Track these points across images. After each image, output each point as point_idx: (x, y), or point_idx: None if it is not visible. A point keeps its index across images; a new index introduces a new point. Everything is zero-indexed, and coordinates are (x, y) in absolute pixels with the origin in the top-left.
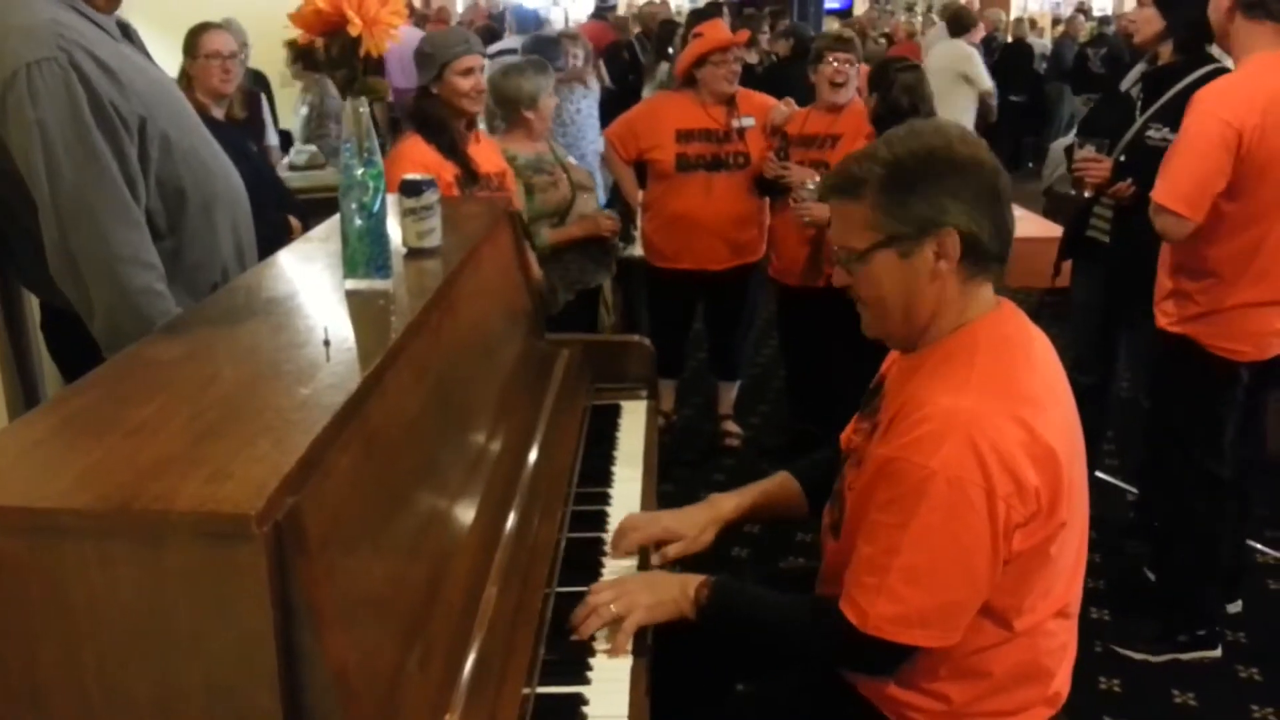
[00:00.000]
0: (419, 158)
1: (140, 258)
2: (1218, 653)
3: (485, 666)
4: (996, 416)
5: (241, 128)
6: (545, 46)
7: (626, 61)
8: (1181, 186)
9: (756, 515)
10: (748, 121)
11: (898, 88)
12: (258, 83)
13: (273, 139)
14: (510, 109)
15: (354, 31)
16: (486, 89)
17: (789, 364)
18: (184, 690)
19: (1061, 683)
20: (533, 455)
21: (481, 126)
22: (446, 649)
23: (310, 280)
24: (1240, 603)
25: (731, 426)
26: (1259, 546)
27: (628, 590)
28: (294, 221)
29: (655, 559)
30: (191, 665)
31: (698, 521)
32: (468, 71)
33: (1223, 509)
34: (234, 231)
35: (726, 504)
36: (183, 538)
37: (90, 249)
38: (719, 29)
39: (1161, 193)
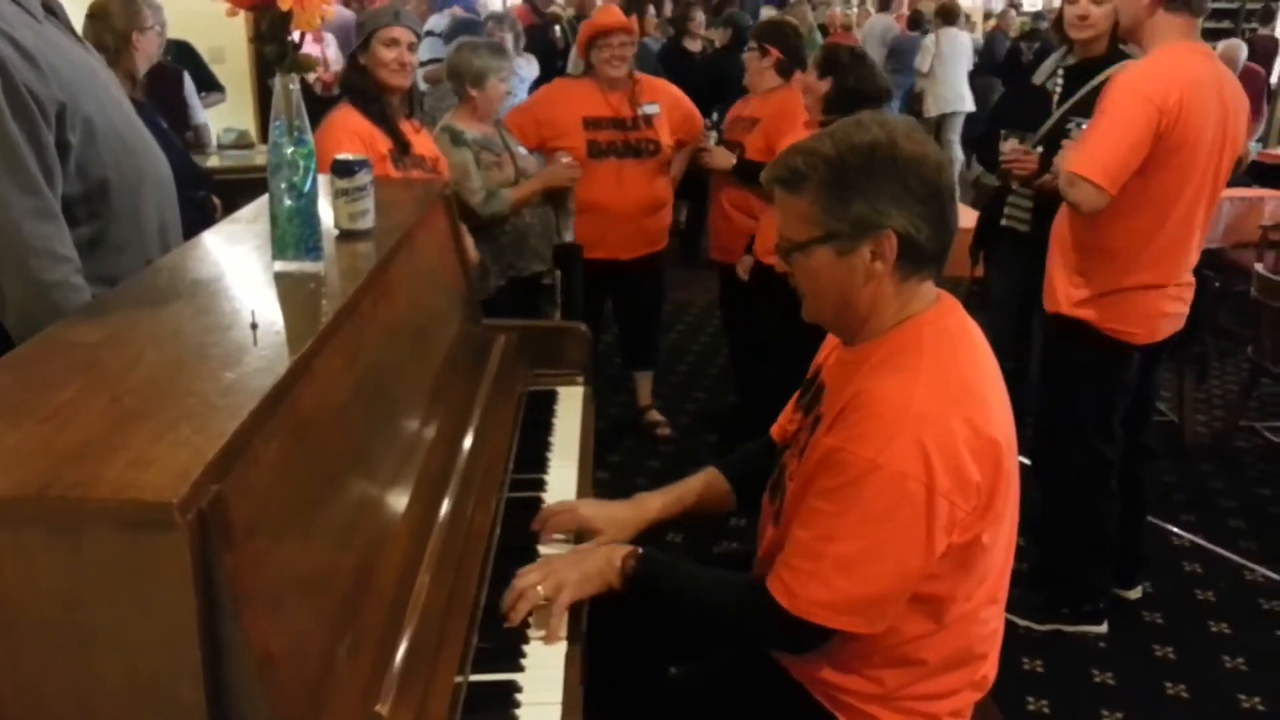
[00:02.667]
0: (352, 125)
1: (55, 251)
2: (1103, 628)
3: (417, 655)
4: (944, 415)
5: (154, 105)
6: (467, 29)
7: (552, 44)
8: (1102, 158)
9: (683, 513)
10: (652, 109)
11: (856, 73)
12: (183, 55)
13: (199, 118)
14: (458, 84)
15: (284, 6)
16: (415, 65)
17: (732, 343)
18: (104, 684)
19: (990, 667)
20: (467, 441)
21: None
22: (377, 638)
23: (237, 262)
24: (1141, 589)
25: (656, 416)
26: (1174, 530)
27: (554, 569)
28: (215, 200)
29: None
30: (112, 658)
31: (619, 519)
32: (391, 42)
33: (1110, 488)
34: (159, 215)
35: (652, 504)
36: (102, 526)
37: (1, 241)
38: (608, 13)
39: (1081, 164)
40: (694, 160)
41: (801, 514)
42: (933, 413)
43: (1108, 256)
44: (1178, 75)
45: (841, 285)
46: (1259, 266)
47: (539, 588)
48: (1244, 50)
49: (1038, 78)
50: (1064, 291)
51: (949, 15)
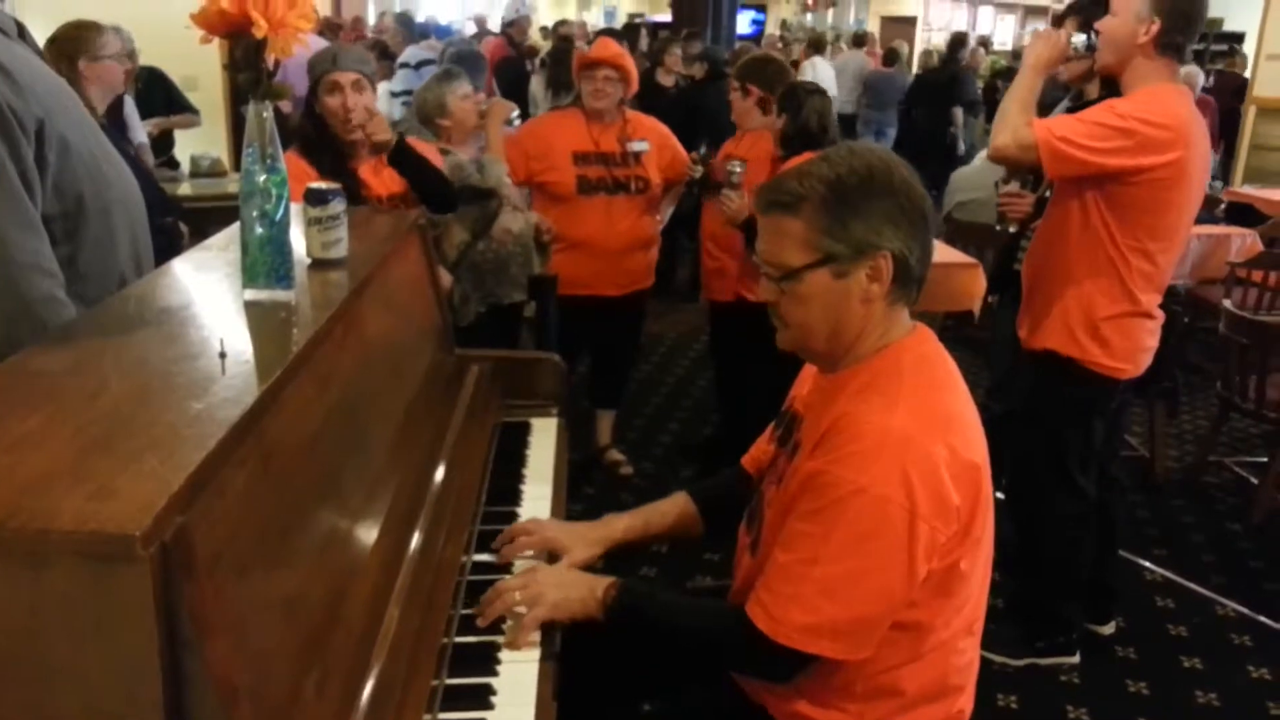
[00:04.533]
0: (291, 170)
1: (42, 265)
2: (1075, 659)
3: (385, 690)
4: (926, 440)
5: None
6: (469, 60)
7: (525, 78)
8: (1063, 134)
9: (650, 536)
10: (641, 145)
11: (807, 110)
12: (154, 81)
13: (140, 136)
14: (429, 124)
15: (259, 34)
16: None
17: (720, 380)
18: (62, 719)
19: (966, 700)
20: (439, 473)
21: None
22: (345, 673)
23: (207, 290)
24: (1114, 624)
25: (617, 455)
26: (1147, 564)
27: (536, 582)
28: (183, 227)
29: (517, 566)
30: (71, 694)
31: (586, 538)
32: (332, 89)
33: (1089, 523)
34: (131, 239)
35: (618, 524)
36: (63, 558)
37: None
38: (600, 46)
39: (1042, 124)
40: (702, 197)
41: (782, 537)
42: (915, 437)
43: (1103, 291)
44: (1170, 114)
45: (835, 309)
46: (1227, 303)
47: (517, 594)
48: (1201, 77)
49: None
50: (1051, 327)
51: (818, 46)
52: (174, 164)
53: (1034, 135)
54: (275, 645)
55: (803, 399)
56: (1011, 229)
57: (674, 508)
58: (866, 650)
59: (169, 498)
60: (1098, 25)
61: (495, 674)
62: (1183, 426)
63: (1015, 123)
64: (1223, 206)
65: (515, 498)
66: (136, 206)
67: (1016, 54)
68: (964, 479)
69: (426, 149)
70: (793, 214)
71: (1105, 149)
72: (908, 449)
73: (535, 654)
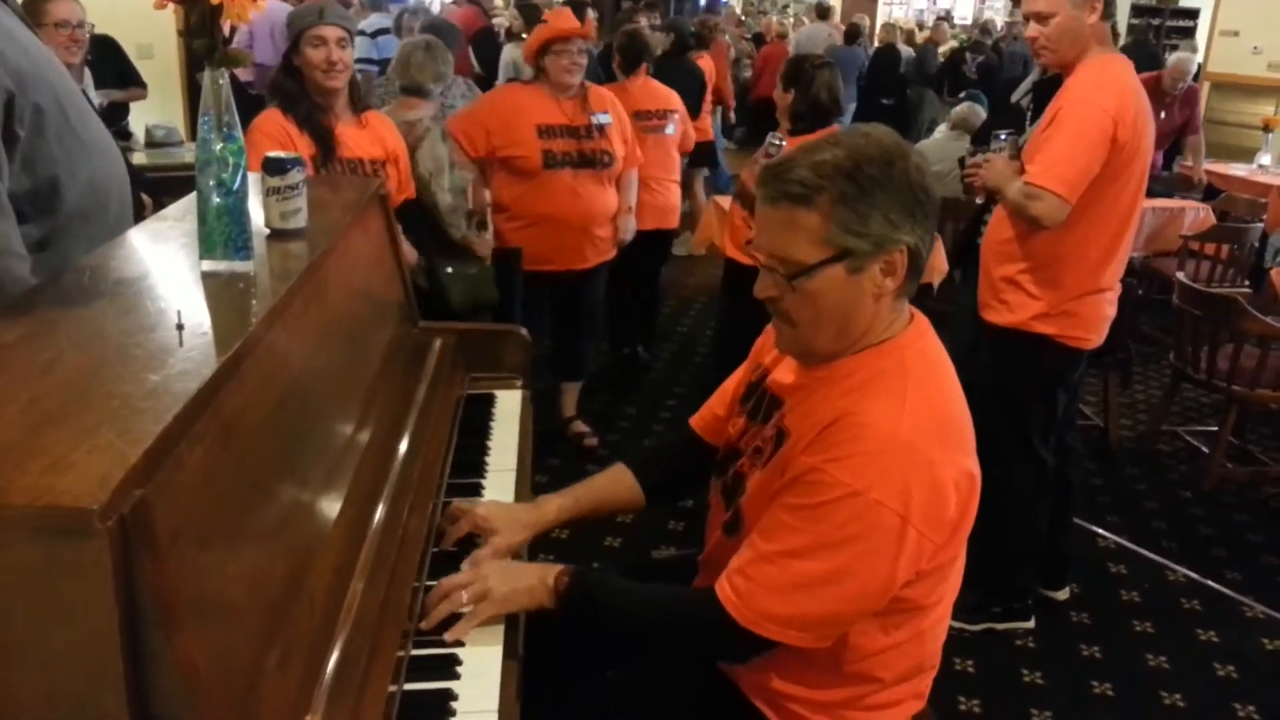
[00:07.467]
0: (271, 129)
1: (11, 248)
2: (1030, 624)
3: (350, 664)
4: (932, 451)
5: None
6: (443, 30)
7: (498, 50)
8: (1062, 170)
9: (585, 513)
10: (604, 118)
11: (819, 84)
12: (106, 51)
13: (93, 100)
14: (440, 83)
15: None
16: (346, 66)
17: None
18: (19, 700)
19: (933, 673)
20: (403, 446)
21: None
22: (308, 647)
23: (163, 261)
24: (1068, 590)
25: (582, 426)
26: (1100, 531)
27: (484, 577)
28: (145, 199)
29: (465, 564)
30: (28, 672)
31: (516, 519)
32: (318, 42)
33: (1047, 492)
34: (113, 215)
35: (550, 505)
36: (18, 534)
37: None
38: (564, 17)
39: (1041, 176)
40: None
41: (765, 524)
42: (920, 447)
43: (1068, 266)
44: (1126, 85)
45: (846, 306)
46: (1180, 275)
47: (464, 593)
48: (1194, 64)
49: (1015, 96)
50: (1018, 303)
51: (824, 13)
52: (126, 134)
53: (1038, 186)
54: (238, 620)
55: (780, 381)
56: (979, 200)
57: (610, 482)
58: (830, 641)
59: (127, 470)
60: (1043, 39)
61: (461, 644)
62: (1135, 396)
63: (1021, 193)
64: (1202, 183)
65: (479, 470)
66: (123, 184)
67: (984, 27)
68: (963, 488)
69: (384, 126)
70: (807, 206)
71: (1094, 152)
72: (911, 458)
73: (500, 625)
